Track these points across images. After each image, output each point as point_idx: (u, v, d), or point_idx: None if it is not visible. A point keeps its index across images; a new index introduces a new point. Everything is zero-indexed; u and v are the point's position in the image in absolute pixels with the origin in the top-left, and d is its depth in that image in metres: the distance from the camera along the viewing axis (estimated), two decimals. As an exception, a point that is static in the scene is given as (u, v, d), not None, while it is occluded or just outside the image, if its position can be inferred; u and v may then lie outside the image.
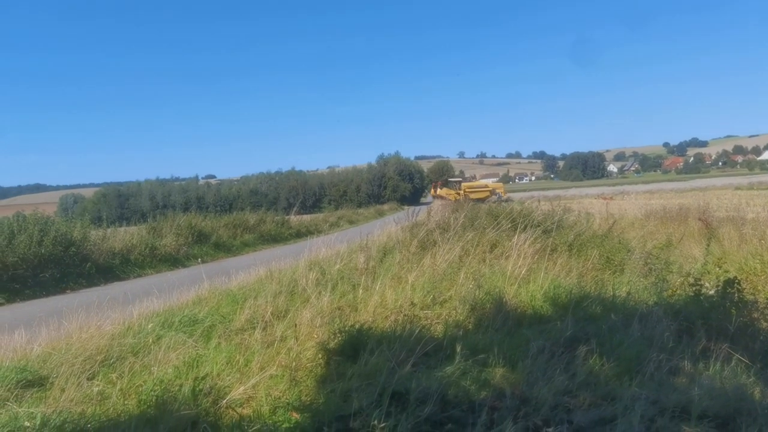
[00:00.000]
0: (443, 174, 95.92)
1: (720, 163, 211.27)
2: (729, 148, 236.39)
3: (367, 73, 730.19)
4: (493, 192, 61.86)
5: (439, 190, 66.55)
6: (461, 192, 60.24)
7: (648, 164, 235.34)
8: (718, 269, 8.26)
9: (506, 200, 33.31)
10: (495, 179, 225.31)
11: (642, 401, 3.97)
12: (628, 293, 7.56)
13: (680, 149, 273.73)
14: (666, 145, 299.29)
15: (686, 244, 12.37)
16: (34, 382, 4.95)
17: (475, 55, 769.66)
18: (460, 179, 76.18)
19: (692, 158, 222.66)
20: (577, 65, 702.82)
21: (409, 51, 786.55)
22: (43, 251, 13.10)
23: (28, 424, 3.85)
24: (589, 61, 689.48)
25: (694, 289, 6.87)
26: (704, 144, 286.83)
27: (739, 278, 6.79)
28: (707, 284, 7.23)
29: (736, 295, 6.40)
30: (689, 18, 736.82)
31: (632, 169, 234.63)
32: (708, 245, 9.66)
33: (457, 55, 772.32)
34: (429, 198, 67.11)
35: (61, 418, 3.94)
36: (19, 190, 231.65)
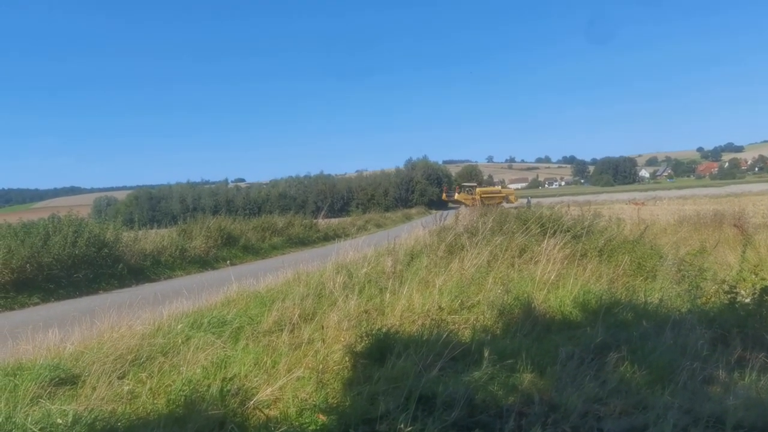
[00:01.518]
0: (471, 178, 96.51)
1: (756, 169, 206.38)
2: (766, 153, 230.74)
3: (395, 77, 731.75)
4: (505, 198, 62.54)
5: (456, 195, 67.53)
6: (476, 196, 60.86)
7: (681, 170, 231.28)
8: (754, 277, 8.06)
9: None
10: (524, 184, 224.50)
11: (675, 410, 3.88)
12: (661, 300, 7.41)
13: (715, 154, 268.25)
14: (700, 150, 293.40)
15: (721, 251, 12.07)
16: (66, 380, 5.04)
17: (505, 59, 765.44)
18: (475, 184, 78.04)
19: (727, 163, 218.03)
20: (607, 65, 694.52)
21: (438, 55, 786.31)
22: (76, 252, 13.37)
23: (61, 421, 3.92)
24: (621, 62, 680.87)
25: (729, 296, 6.71)
26: (740, 149, 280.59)
27: (776, 286, 6.61)
28: (743, 292, 7.05)
29: (773, 303, 6.23)
30: (724, 19, 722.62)
31: (665, 174, 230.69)
32: (744, 252, 9.43)
33: (486, 59, 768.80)
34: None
35: (93, 416, 4.01)
36: (55, 193, 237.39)
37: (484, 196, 61.24)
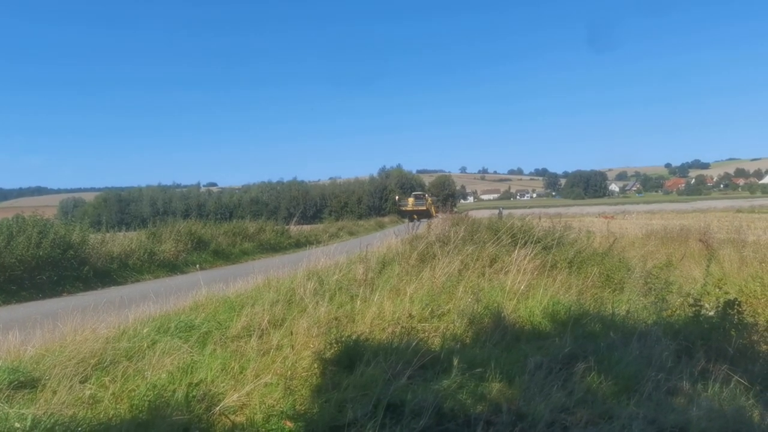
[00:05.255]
0: (444, 188, 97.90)
1: (722, 186, 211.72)
2: (731, 170, 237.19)
3: (370, 85, 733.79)
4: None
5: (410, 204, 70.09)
6: (428, 205, 67.82)
7: (650, 184, 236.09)
8: (718, 290, 8.23)
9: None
10: (496, 195, 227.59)
11: (640, 420, 3.94)
12: (628, 312, 7.52)
13: (682, 170, 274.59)
14: (668, 166, 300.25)
15: (686, 265, 12.34)
16: (26, 384, 4.89)
17: (478, 70, 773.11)
18: (425, 194, 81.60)
19: (694, 180, 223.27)
20: (579, 80, 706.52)
21: (412, 66, 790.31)
22: (41, 253, 13.06)
23: (18, 425, 3.80)
24: (593, 78, 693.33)
25: (693, 309, 6.84)
26: (706, 166, 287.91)
27: (739, 300, 6.77)
28: (707, 305, 7.20)
29: (736, 317, 6.38)
30: (691, 39, 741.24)
31: (634, 188, 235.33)
32: (708, 266, 9.64)
33: (461, 71, 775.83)
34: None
35: (52, 421, 3.89)
36: (20, 193, 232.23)
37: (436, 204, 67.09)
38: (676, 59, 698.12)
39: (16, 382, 4.84)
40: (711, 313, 6.74)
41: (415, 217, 47.72)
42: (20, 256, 12.60)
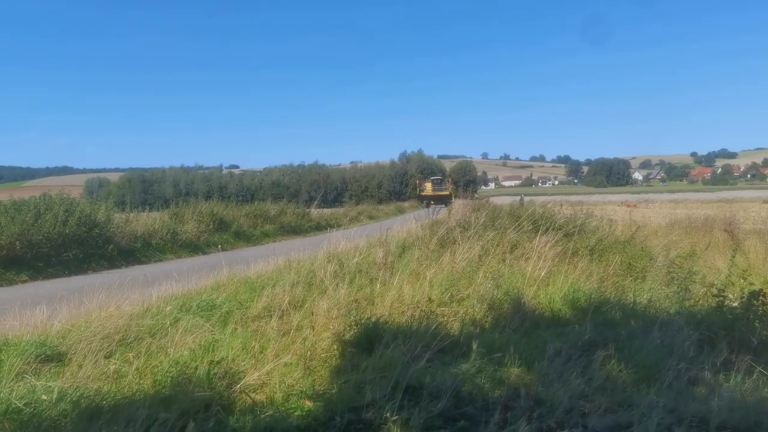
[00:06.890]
0: (465, 174, 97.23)
1: (749, 176, 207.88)
2: (759, 160, 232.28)
3: (393, 69, 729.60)
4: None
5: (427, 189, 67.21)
6: (447, 190, 63.01)
7: (674, 173, 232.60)
8: (742, 281, 8.10)
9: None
10: (517, 182, 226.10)
11: (659, 409, 3.91)
12: (649, 301, 7.45)
13: (708, 160, 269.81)
14: (694, 154, 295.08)
15: (710, 255, 12.15)
16: (52, 357, 5.01)
17: (502, 55, 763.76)
18: (441, 178, 77.26)
19: (720, 169, 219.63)
20: (604, 66, 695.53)
21: (435, 49, 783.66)
22: (67, 231, 13.28)
23: (45, 398, 3.89)
24: (618, 63, 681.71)
25: (717, 300, 6.75)
26: (733, 155, 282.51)
27: (764, 291, 6.66)
28: (731, 296, 7.09)
29: (760, 308, 6.28)
30: (721, 24, 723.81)
31: (658, 177, 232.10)
32: (733, 257, 9.46)
33: (485, 54, 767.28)
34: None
35: (78, 394, 3.98)
36: (47, 172, 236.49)
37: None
38: (705, 45, 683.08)
39: (43, 356, 4.97)
40: (735, 304, 6.64)
41: (432, 203, 46.02)
42: (47, 234, 12.82)
